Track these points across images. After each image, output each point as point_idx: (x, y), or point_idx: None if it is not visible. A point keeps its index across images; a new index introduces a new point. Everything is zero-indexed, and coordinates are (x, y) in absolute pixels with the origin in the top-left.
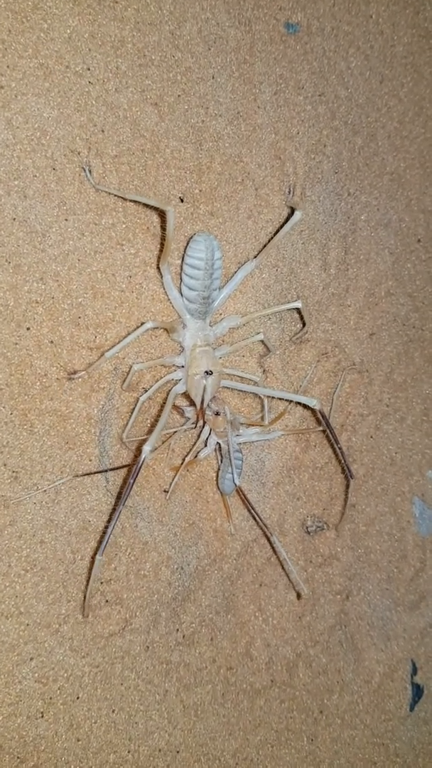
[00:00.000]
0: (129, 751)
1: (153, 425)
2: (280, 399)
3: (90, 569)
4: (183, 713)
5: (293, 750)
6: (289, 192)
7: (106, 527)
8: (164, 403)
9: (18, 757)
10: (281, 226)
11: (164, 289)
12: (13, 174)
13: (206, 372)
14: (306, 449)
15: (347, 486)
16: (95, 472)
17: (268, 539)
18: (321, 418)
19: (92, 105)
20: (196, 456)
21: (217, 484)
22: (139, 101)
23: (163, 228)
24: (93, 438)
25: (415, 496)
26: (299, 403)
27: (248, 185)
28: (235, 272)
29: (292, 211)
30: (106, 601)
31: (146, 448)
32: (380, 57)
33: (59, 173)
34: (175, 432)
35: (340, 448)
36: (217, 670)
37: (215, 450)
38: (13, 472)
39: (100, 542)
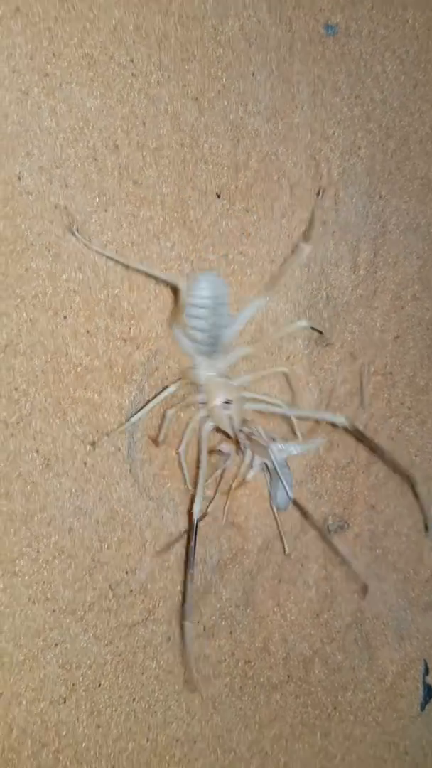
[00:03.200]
0: (147, 740)
1: (195, 478)
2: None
3: (183, 637)
4: (201, 705)
5: (306, 745)
6: (318, 195)
7: (184, 592)
8: (200, 451)
9: (40, 742)
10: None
11: (174, 339)
12: (55, 162)
13: (225, 402)
14: (329, 449)
15: (413, 488)
16: (168, 546)
17: (324, 537)
18: (355, 434)
19: (134, 97)
20: (243, 479)
21: (270, 503)
22: (180, 95)
23: (176, 296)
24: (123, 428)
25: None
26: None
27: (283, 184)
28: (246, 308)
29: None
30: (131, 590)
31: (195, 509)
32: (415, 62)
33: (100, 164)
34: (222, 474)
35: (385, 455)
36: (235, 663)
37: (263, 470)
38: (45, 459)
39: (183, 608)
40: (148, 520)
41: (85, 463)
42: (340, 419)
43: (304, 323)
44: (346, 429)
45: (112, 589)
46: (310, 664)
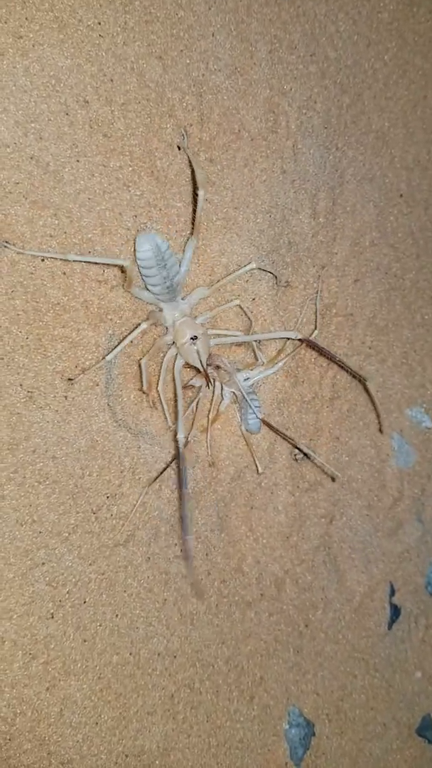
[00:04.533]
0: (131, 653)
1: (175, 412)
2: (270, 341)
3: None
4: (180, 621)
5: (280, 660)
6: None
7: (181, 509)
8: (175, 386)
9: (30, 653)
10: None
11: (134, 297)
12: (30, 117)
13: (192, 338)
14: (295, 384)
15: (366, 390)
16: (157, 476)
17: (301, 450)
18: (309, 344)
19: (102, 56)
20: (218, 411)
21: (241, 428)
22: (146, 54)
23: (125, 275)
24: (100, 365)
25: (394, 431)
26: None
27: (244, 136)
28: (185, 251)
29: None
30: (112, 515)
31: (180, 437)
32: (367, 22)
33: (71, 118)
34: (197, 404)
35: (340, 361)
36: (211, 583)
37: (233, 401)
38: (28, 392)
39: (183, 524)
40: (126, 449)
41: (65, 397)
42: (291, 333)
43: (253, 265)
44: (300, 341)
45: (94, 513)
46: (282, 584)
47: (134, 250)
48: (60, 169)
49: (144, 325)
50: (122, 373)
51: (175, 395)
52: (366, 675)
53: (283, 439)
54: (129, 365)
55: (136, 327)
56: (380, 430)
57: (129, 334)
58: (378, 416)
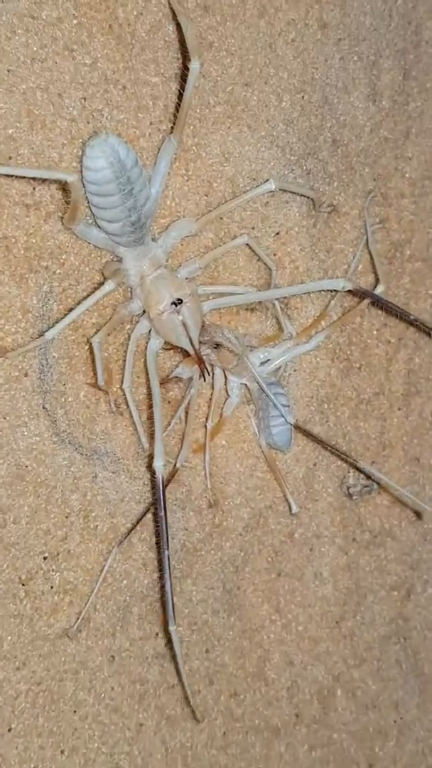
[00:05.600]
0: None
1: (151, 419)
2: (300, 296)
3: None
4: (164, 760)
5: None
6: None
7: (161, 585)
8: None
9: None
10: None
11: (79, 237)
12: None
13: (173, 303)
14: (347, 372)
15: None
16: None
17: (359, 470)
18: (368, 299)
19: None
20: (221, 417)
21: (259, 443)
22: None
23: (67, 197)
24: (31, 340)
25: None
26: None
27: None
28: (157, 158)
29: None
30: (51, 587)
31: (157, 464)
32: None
33: None
34: (187, 408)
35: (420, 323)
36: (215, 698)
37: (244, 396)
38: None
39: (164, 608)
40: (73, 480)
41: None
42: (339, 283)
43: (271, 185)
44: (353, 295)
45: (23, 584)
46: (330, 697)
47: (81, 161)
48: None
49: (110, 285)
50: (65, 357)
51: (150, 394)
52: None
53: (332, 453)
54: (76, 344)
55: (97, 287)
56: None
57: (85, 299)
58: None
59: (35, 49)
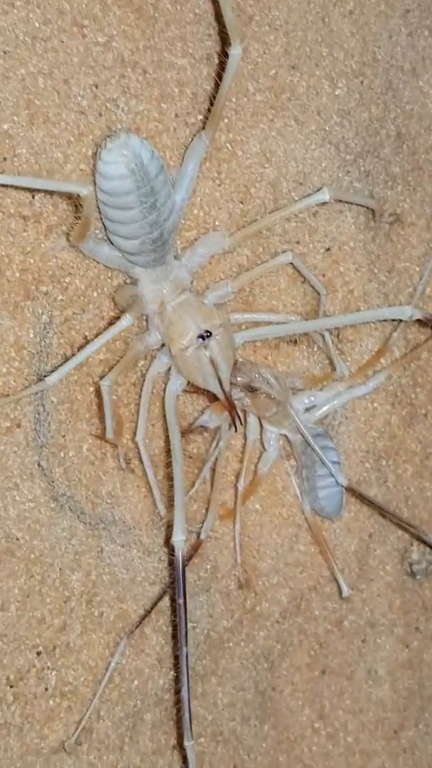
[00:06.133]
0: None
1: (169, 479)
2: (355, 327)
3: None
4: None
5: None
6: None
7: (177, 690)
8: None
9: None
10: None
11: (86, 256)
12: None
13: (200, 336)
14: (410, 421)
15: None
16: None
17: (425, 543)
18: None
19: None
20: (254, 476)
21: (303, 509)
22: None
23: (76, 211)
24: (26, 383)
25: None
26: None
27: None
28: (184, 159)
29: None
30: (45, 689)
31: (177, 539)
32: None
33: None
34: (214, 465)
35: None
36: None
37: (283, 450)
38: None
39: (180, 719)
40: (74, 556)
41: None
42: (405, 311)
43: (325, 195)
44: (418, 322)
45: (11, 686)
46: None
47: (94, 165)
48: None
49: (127, 320)
50: (66, 402)
51: (169, 447)
52: None
53: (392, 521)
54: (78, 386)
55: (114, 322)
56: None
57: (100, 336)
58: None
59: (37, 25)
